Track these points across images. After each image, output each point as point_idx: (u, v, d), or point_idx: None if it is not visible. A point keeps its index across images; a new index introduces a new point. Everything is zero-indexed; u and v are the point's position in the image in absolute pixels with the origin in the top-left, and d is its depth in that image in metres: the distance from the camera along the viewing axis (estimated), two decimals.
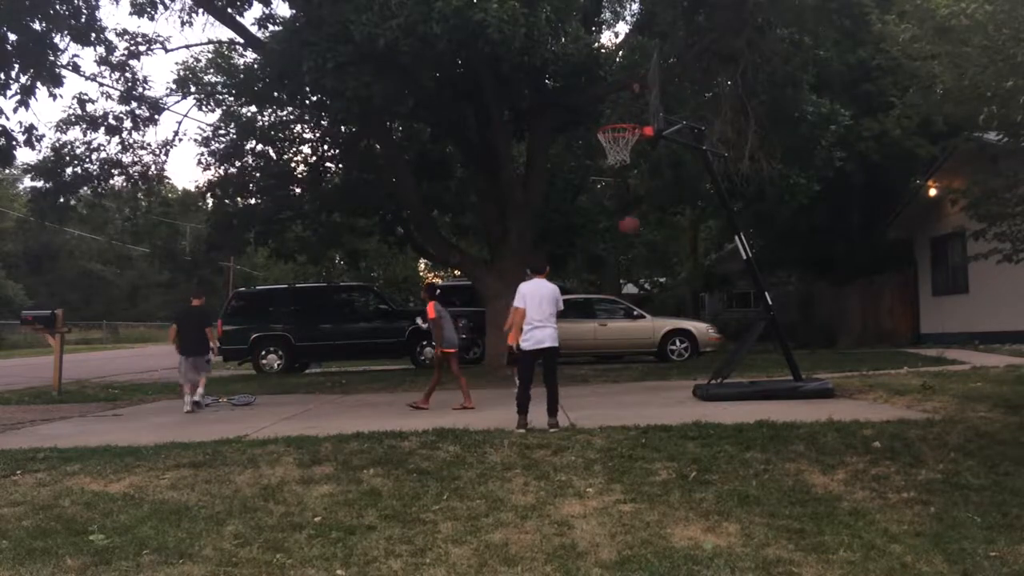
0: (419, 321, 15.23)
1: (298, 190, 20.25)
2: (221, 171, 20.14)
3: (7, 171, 39.97)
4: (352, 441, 7.43)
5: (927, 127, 16.27)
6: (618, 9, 23.86)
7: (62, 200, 16.97)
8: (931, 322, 19.55)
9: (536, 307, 8.14)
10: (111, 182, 18.03)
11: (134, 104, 17.24)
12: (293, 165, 20.58)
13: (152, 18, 15.58)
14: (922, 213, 19.04)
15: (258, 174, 19.80)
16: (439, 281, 29.58)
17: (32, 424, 10.13)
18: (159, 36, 59.17)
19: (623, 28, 39.65)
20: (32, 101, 12.56)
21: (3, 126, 13.06)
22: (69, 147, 17.02)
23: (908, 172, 19.06)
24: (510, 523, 5.22)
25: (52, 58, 12.97)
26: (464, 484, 6.05)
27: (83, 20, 13.20)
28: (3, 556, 4.78)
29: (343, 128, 18.76)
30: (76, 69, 14.21)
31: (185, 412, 10.77)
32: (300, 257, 22.36)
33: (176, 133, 52.71)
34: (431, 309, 10.13)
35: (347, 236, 21.70)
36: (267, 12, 16.83)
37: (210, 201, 21.15)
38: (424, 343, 18.50)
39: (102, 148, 17.47)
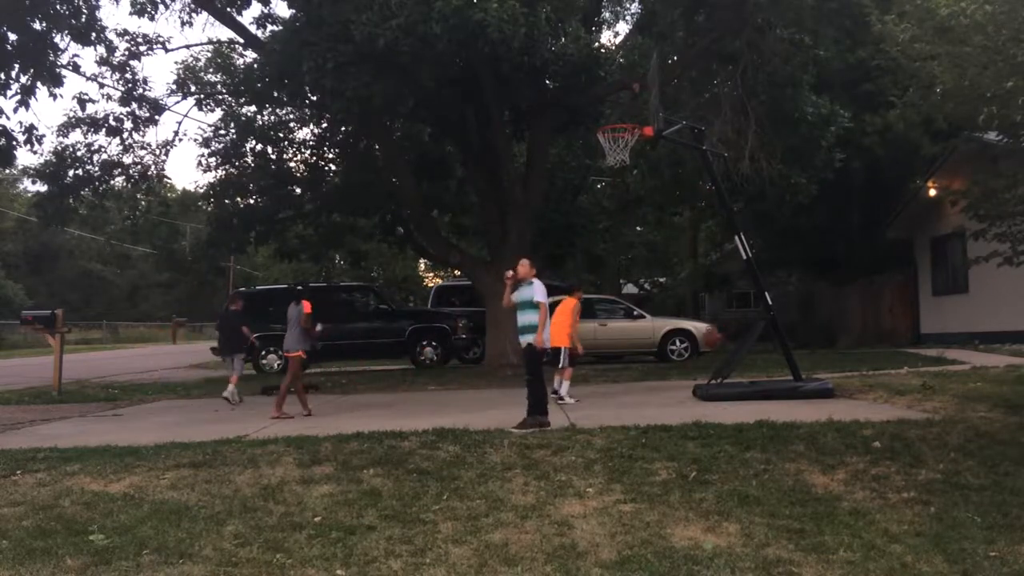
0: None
1: (298, 190, 20.26)
2: (221, 172, 20.18)
3: (7, 171, 40.02)
4: (352, 441, 7.43)
5: (928, 126, 16.28)
6: (618, 9, 23.93)
7: (65, 203, 16.99)
8: (931, 322, 19.54)
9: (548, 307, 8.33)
10: (112, 183, 18.06)
11: (134, 105, 17.26)
12: (293, 165, 20.60)
13: (152, 18, 15.60)
14: (922, 213, 19.03)
15: (258, 174, 19.81)
16: (437, 282, 29.54)
17: (32, 424, 10.13)
18: (159, 36, 59.37)
19: (623, 28, 39.70)
20: (32, 101, 12.57)
21: (3, 126, 13.07)
22: (70, 150, 17.05)
23: (909, 171, 19.01)
24: (510, 523, 5.22)
25: (52, 58, 12.97)
26: (464, 484, 6.05)
27: (83, 20, 13.19)
28: (3, 556, 4.78)
29: (343, 128, 18.76)
30: (76, 69, 14.23)
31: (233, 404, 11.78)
32: (303, 256, 22.38)
33: (176, 133, 52.53)
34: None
35: (348, 236, 21.72)
36: (266, 11, 16.89)
37: (210, 203, 21.19)
38: (424, 343, 18.51)
39: (103, 149, 17.53)
